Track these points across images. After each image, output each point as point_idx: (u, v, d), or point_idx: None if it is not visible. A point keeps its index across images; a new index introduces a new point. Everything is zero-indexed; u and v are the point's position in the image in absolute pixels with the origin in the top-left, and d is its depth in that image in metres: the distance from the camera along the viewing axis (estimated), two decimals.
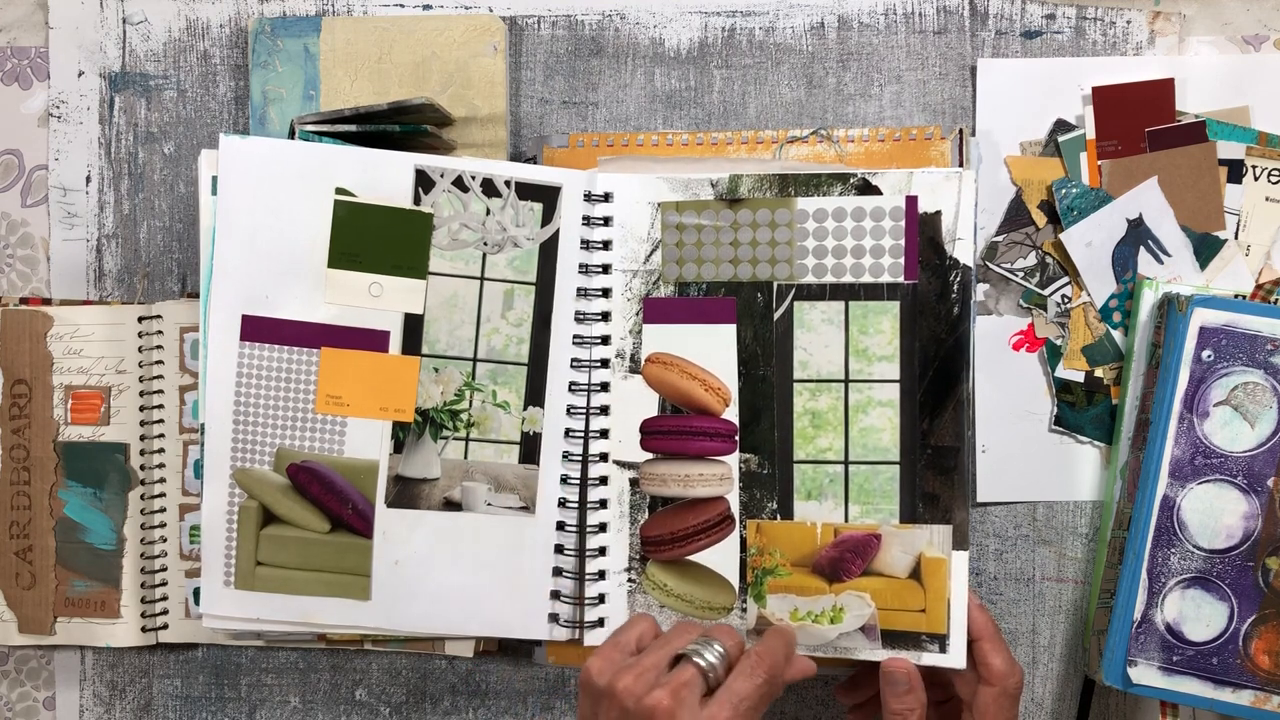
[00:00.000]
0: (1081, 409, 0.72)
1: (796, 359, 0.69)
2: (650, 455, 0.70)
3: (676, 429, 0.70)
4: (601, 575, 0.70)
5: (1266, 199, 0.71)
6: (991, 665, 0.65)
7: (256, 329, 0.70)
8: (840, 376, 0.69)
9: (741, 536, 0.69)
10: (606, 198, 0.71)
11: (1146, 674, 0.68)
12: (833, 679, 0.74)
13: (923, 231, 0.68)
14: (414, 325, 0.71)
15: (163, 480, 0.76)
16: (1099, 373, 0.72)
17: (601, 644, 0.61)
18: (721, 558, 0.70)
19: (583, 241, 0.71)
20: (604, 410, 0.71)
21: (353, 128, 0.70)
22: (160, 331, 0.76)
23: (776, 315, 0.69)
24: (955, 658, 0.66)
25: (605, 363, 0.71)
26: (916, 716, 0.65)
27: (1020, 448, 0.73)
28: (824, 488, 0.69)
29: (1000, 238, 0.73)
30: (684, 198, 0.70)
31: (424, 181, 0.70)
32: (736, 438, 0.70)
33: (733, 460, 0.69)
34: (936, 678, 0.68)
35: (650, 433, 0.70)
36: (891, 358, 0.68)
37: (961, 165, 0.70)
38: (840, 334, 0.69)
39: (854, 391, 0.69)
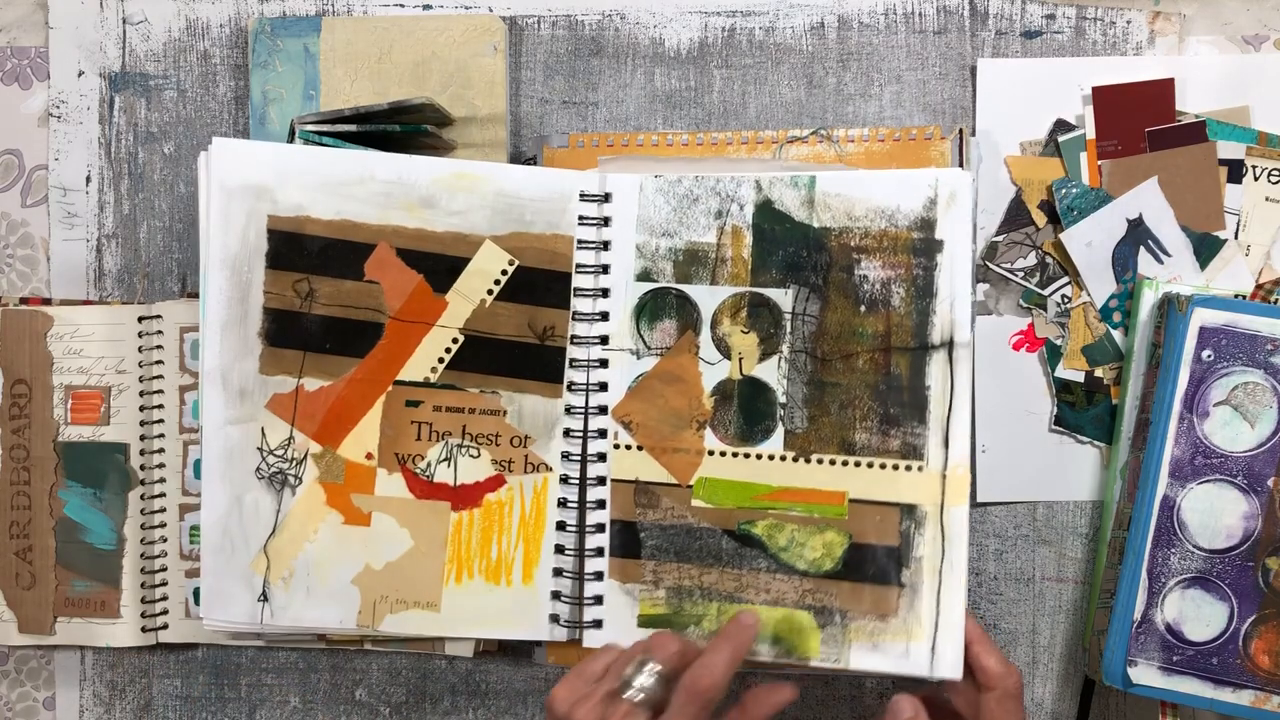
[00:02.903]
0: (1081, 409, 0.72)
1: None
2: None
3: None
4: (600, 576, 0.70)
5: (1266, 199, 0.71)
6: (987, 668, 0.63)
7: None
8: None
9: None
10: (606, 198, 0.71)
11: (1146, 674, 0.68)
12: (834, 679, 0.74)
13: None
14: None
15: (163, 480, 0.76)
16: (1099, 373, 0.72)
17: (570, 671, 0.62)
18: None
19: (581, 242, 0.71)
20: (603, 410, 0.71)
21: (353, 128, 0.70)
22: (160, 331, 0.76)
23: None
24: (951, 667, 0.65)
25: (604, 363, 0.71)
26: None
27: (1020, 448, 0.73)
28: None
29: (1000, 238, 0.73)
30: None
31: None
32: None
33: None
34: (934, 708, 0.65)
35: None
36: None
37: (961, 165, 0.70)
38: None
39: None
